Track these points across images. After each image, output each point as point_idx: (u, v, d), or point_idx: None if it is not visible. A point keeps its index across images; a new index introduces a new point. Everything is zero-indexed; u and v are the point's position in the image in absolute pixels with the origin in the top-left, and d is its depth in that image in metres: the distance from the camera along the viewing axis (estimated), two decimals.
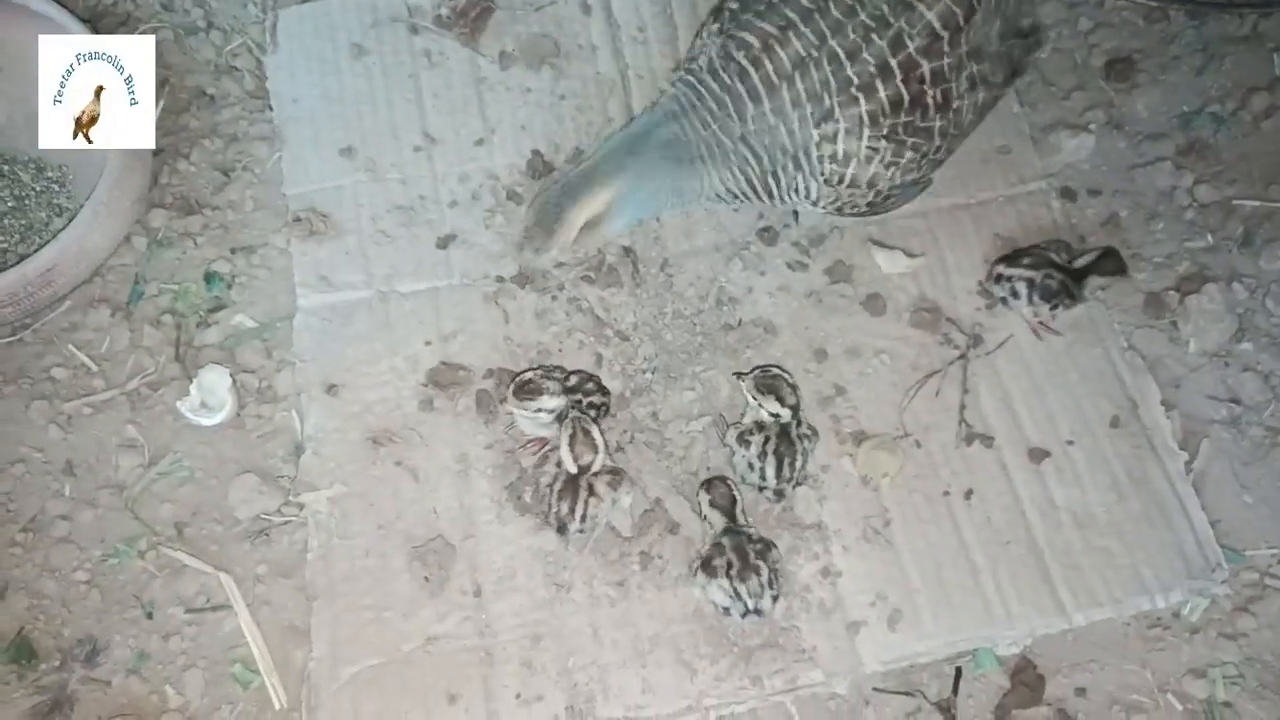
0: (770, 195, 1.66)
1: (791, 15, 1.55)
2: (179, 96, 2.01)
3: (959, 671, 1.64)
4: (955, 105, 1.62)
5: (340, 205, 1.90)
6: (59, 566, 1.69)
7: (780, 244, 1.90)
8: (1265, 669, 1.66)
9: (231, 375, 1.76)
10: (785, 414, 1.64)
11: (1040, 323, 1.83)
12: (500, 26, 2.05)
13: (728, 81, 1.58)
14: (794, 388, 1.67)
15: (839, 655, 1.62)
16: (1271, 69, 2.06)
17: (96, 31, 1.86)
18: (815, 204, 1.66)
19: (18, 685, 1.61)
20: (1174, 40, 2.10)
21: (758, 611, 1.58)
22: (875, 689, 1.63)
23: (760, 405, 1.64)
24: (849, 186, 1.63)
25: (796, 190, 1.64)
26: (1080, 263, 1.80)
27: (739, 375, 1.71)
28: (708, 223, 1.91)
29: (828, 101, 1.55)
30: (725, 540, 1.60)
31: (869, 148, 1.58)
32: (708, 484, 1.65)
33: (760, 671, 1.60)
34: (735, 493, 1.64)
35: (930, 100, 1.58)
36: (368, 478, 1.71)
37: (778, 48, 1.55)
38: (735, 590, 1.56)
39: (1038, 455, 1.75)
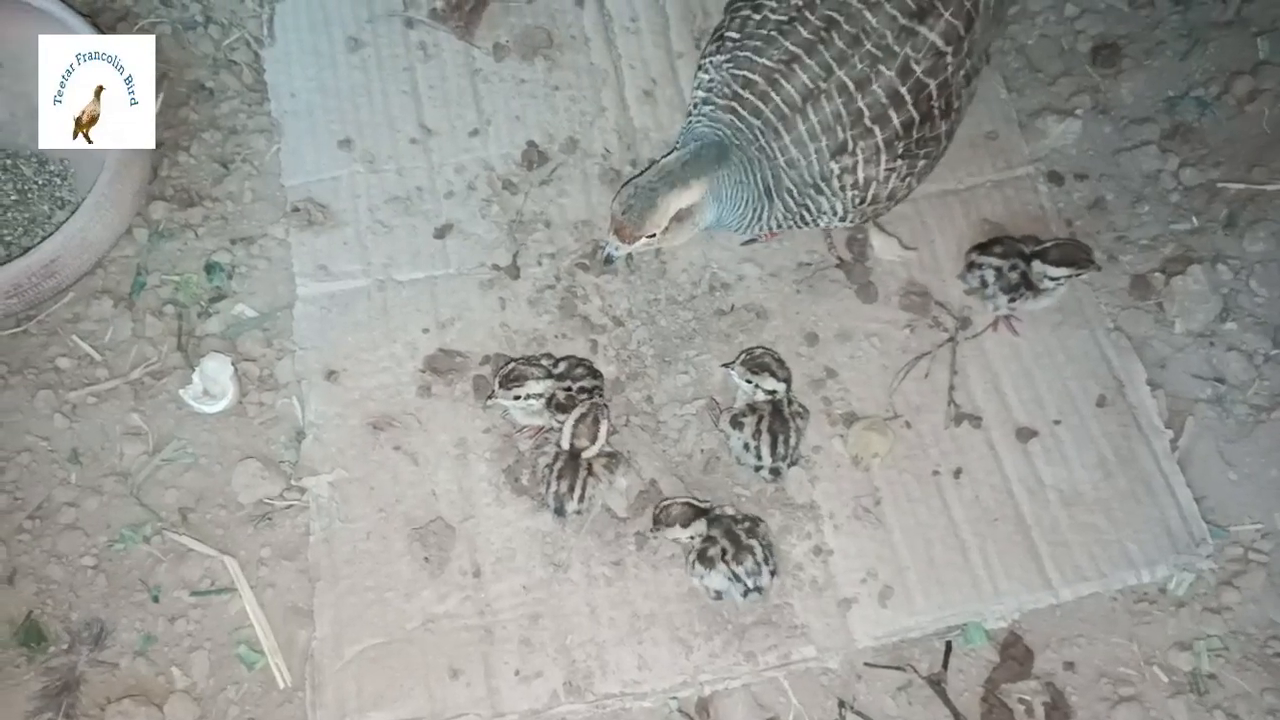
0: (805, 223, 1.71)
1: (794, 49, 1.58)
2: (178, 90, 2.03)
3: (949, 646, 1.68)
4: (957, 106, 1.67)
5: (338, 196, 1.93)
6: (66, 552, 1.72)
7: None
8: (1249, 641, 1.70)
9: (233, 364, 1.79)
10: (780, 388, 1.67)
11: (1004, 317, 1.85)
12: (494, 19, 2.08)
13: (749, 119, 1.61)
14: (781, 363, 1.70)
15: (831, 631, 1.65)
16: (1255, 53, 2.08)
17: (97, 27, 1.89)
18: (845, 220, 1.71)
19: (27, 668, 1.64)
20: (1159, 25, 2.13)
21: (758, 589, 1.62)
22: (867, 664, 1.67)
23: (756, 386, 1.68)
24: (871, 204, 1.68)
25: (825, 213, 1.68)
26: (1036, 247, 1.81)
27: (726, 366, 1.75)
28: None
29: (841, 134, 1.59)
30: (714, 530, 1.63)
31: (887, 169, 1.63)
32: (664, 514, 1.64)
33: (754, 648, 1.64)
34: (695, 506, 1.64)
35: (937, 111, 1.63)
36: (368, 462, 1.74)
37: (783, 81, 1.59)
38: (734, 573, 1.60)
39: (1025, 435, 1.78)
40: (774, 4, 1.63)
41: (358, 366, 1.81)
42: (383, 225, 1.92)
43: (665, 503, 1.64)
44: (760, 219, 1.69)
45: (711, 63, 1.69)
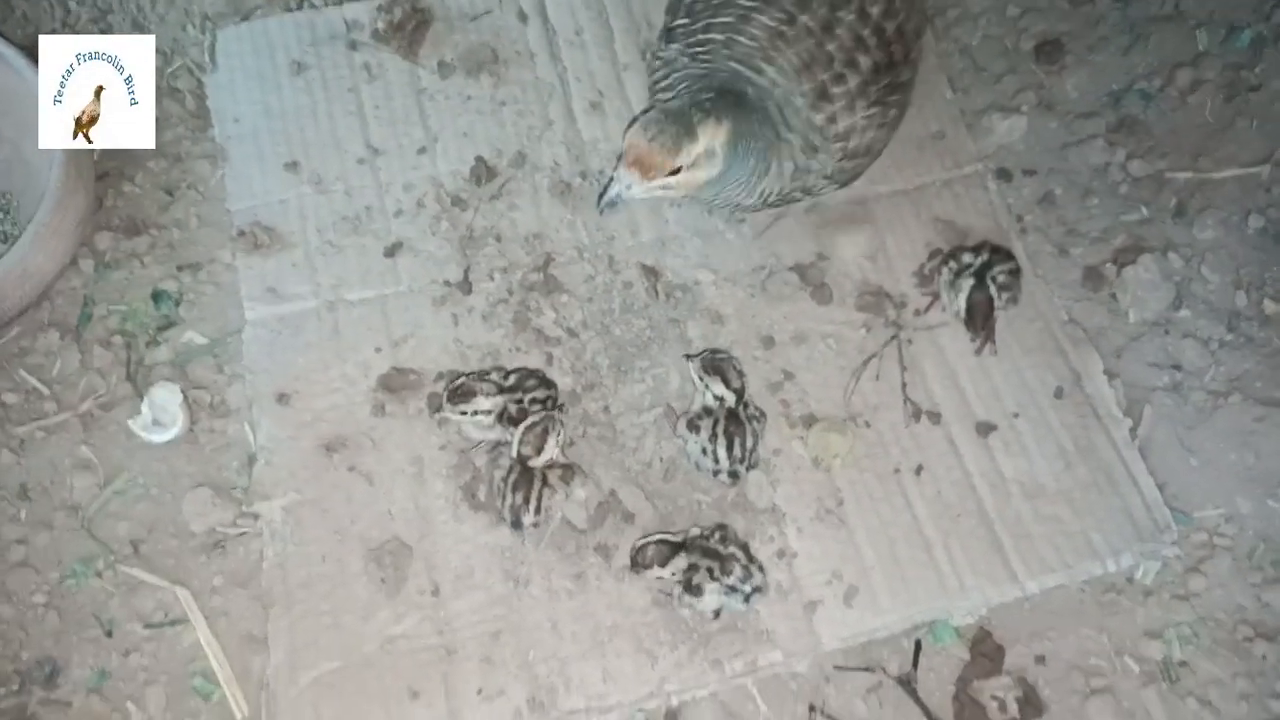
0: (798, 195, 1.70)
1: (747, 5, 1.59)
2: None
3: (918, 645, 1.66)
4: (912, 56, 1.69)
5: (285, 218, 1.92)
6: (16, 590, 1.68)
7: (725, 236, 1.93)
8: (1218, 627, 1.69)
9: (183, 391, 1.76)
10: (730, 397, 1.66)
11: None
12: (438, 37, 2.07)
13: (743, 79, 1.58)
14: (740, 373, 1.69)
15: (798, 635, 1.63)
16: (1195, 45, 2.11)
17: (34, 61, 1.87)
18: (831, 180, 1.71)
19: None
20: (1100, 21, 2.15)
21: (758, 589, 1.60)
22: (836, 667, 1.64)
23: (706, 386, 1.66)
24: (852, 158, 1.68)
25: (813, 173, 1.66)
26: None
27: (687, 356, 1.73)
28: (651, 217, 1.93)
29: (819, 75, 1.58)
30: (691, 557, 1.60)
31: (864, 117, 1.63)
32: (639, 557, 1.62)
33: (720, 655, 1.61)
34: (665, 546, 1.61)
35: (898, 56, 1.64)
36: (321, 484, 1.71)
37: (743, 26, 1.57)
38: (728, 587, 1.58)
39: (984, 429, 1.78)
40: None
41: (309, 388, 1.79)
42: (332, 246, 1.90)
43: (640, 543, 1.62)
44: (754, 192, 1.63)
45: (672, 49, 1.66)
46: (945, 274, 1.84)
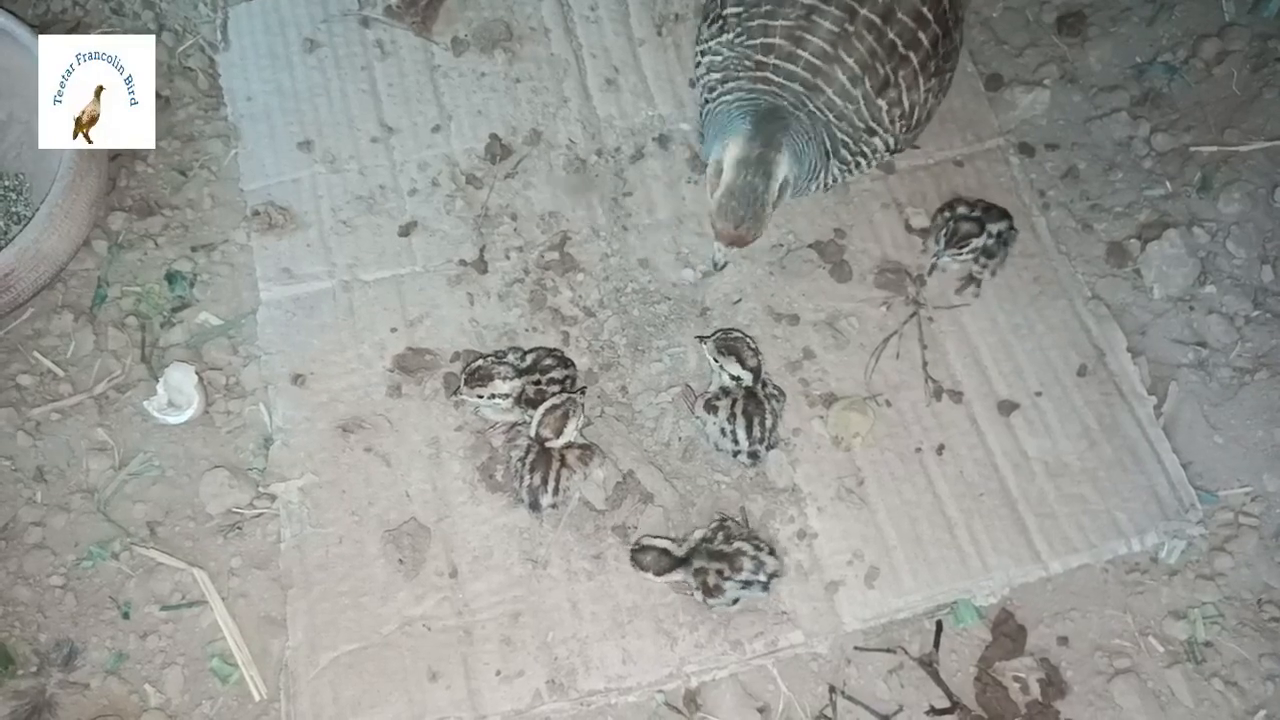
0: (859, 170, 1.71)
1: (809, 1, 1.57)
2: None
3: (939, 625, 1.64)
4: (961, 16, 1.70)
5: (299, 198, 1.90)
6: (33, 573, 1.68)
7: None
8: (1244, 607, 1.67)
9: (198, 372, 1.75)
10: (746, 376, 1.64)
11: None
12: (452, 13, 2.05)
13: (785, 83, 1.58)
14: (755, 351, 1.67)
15: (818, 616, 1.62)
16: (1221, 15, 2.07)
17: None
18: (892, 152, 1.73)
19: None
20: None
21: (775, 575, 1.58)
22: (856, 648, 1.63)
23: (722, 368, 1.65)
24: (914, 128, 1.70)
25: (877, 152, 1.68)
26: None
27: (701, 339, 1.71)
28: (668, 195, 1.91)
29: (882, 70, 1.58)
30: (698, 562, 1.57)
31: (926, 90, 1.64)
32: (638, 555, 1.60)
33: (740, 636, 1.60)
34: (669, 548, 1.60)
35: (951, 21, 1.65)
36: (338, 466, 1.71)
37: (807, 35, 1.56)
38: (745, 581, 1.56)
39: (1007, 407, 1.75)
40: None
41: (325, 369, 1.78)
42: (346, 225, 1.88)
43: (643, 543, 1.60)
44: (818, 179, 1.67)
45: (719, 43, 1.65)
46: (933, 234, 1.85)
